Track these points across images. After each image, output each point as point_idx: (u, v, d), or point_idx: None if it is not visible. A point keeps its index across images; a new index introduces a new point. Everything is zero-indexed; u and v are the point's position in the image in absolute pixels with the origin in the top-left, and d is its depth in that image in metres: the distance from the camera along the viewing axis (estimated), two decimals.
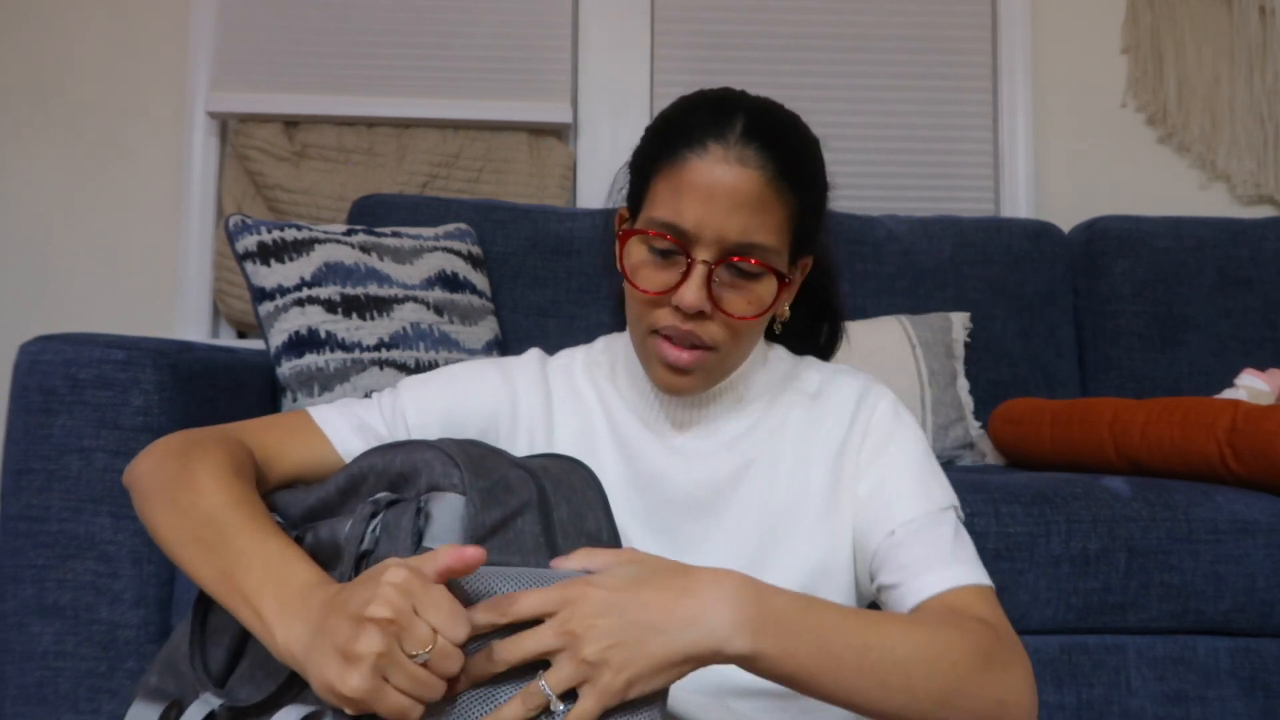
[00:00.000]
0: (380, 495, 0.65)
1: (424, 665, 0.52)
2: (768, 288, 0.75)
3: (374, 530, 0.63)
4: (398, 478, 0.66)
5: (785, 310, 0.84)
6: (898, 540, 0.75)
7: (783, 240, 0.75)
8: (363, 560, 0.63)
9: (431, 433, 0.79)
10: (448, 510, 0.62)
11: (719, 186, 0.71)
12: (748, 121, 0.73)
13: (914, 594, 0.72)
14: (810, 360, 0.88)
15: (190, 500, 0.66)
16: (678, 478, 0.80)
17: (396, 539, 0.62)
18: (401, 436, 0.79)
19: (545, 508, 0.67)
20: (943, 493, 0.78)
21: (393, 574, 0.53)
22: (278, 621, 0.57)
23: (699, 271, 0.72)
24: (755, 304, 0.74)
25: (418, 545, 0.61)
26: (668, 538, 0.79)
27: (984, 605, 0.71)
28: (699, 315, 0.73)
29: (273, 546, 0.62)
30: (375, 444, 0.78)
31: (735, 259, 0.72)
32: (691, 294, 0.72)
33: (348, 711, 0.53)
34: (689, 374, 0.76)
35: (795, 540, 0.78)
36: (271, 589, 0.59)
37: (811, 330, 0.91)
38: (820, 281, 0.87)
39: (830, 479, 0.79)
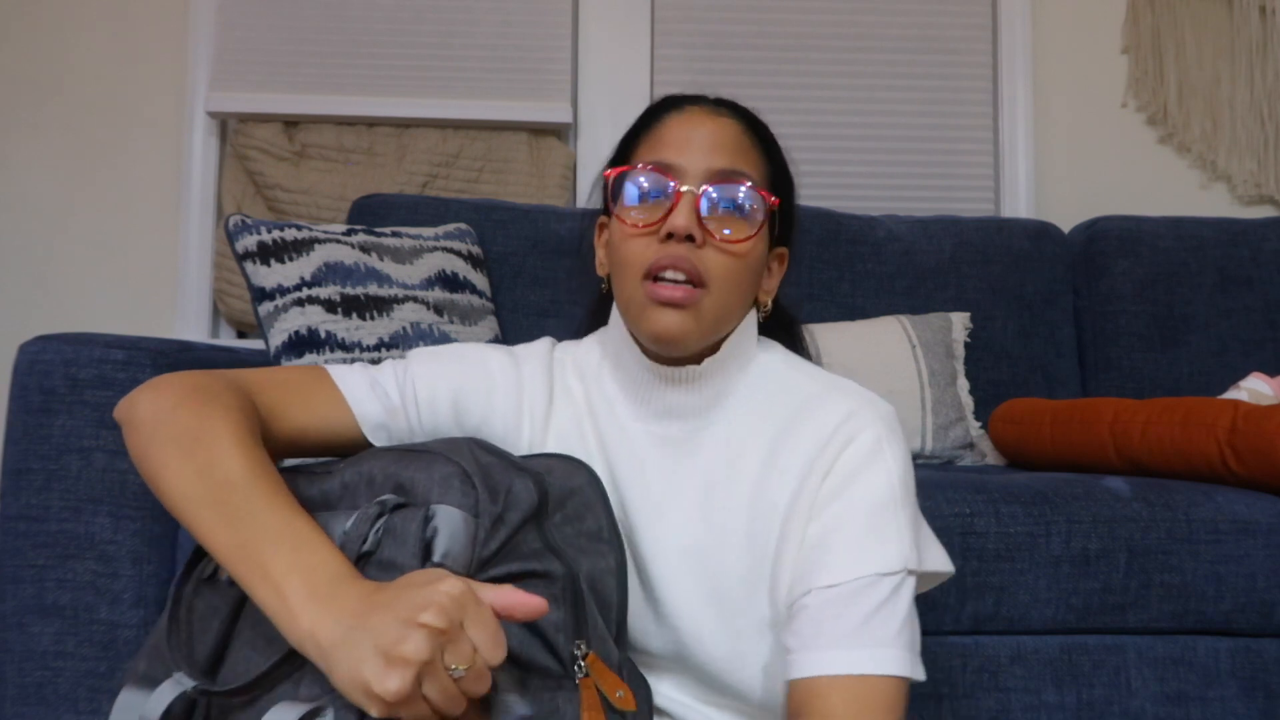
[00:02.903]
0: (387, 497, 0.64)
1: (456, 681, 0.52)
2: (757, 215, 0.76)
3: (377, 531, 0.62)
4: (407, 483, 0.65)
5: (768, 301, 0.84)
6: (808, 603, 0.69)
7: (762, 184, 0.77)
8: (361, 561, 0.62)
9: (439, 409, 0.79)
10: (459, 526, 0.62)
11: (700, 130, 0.77)
12: (717, 99, 0.82)
13: (793, 668, 0.68)
14: (811, 368, 0.83)
15: (209, 459, 0.64)
16: (653, 485, 0.79)
17: (404, 545, 0.61)
18: (410, 406, 0.78)
19: (540, 516, 0.67)
20: (888, 556, 0.70)
21: (450, 584, 0.53)
22: (305, 608, 0.56)
23: (687, 198, 0.74)
24: (745, 229, 0.75)
25: (427, 556, 0.61)
26: (632, 548, 0.78)
27: (848, 702, 0.65)
28: (690, 241, 0.73)
29: (302, 528, 0.61)
30: (387, 406, 0.78)
31: (720, 183, 0.75)
32: (682, 216, 0.73)
33: (372, 712, 0.52)
34: (684, 310, 0.73)
35: (759, 568, 0.75)
36: (301, 574, 0.58)
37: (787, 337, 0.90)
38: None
39: (789, 507, 0.74)
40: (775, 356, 0.83)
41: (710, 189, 0.74)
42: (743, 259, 0.76)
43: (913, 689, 0.73)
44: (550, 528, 0.67)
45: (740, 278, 0.76)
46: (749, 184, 0.75)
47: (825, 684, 0.66)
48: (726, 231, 0.75)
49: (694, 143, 0.76)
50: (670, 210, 0.74)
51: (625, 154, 0.81)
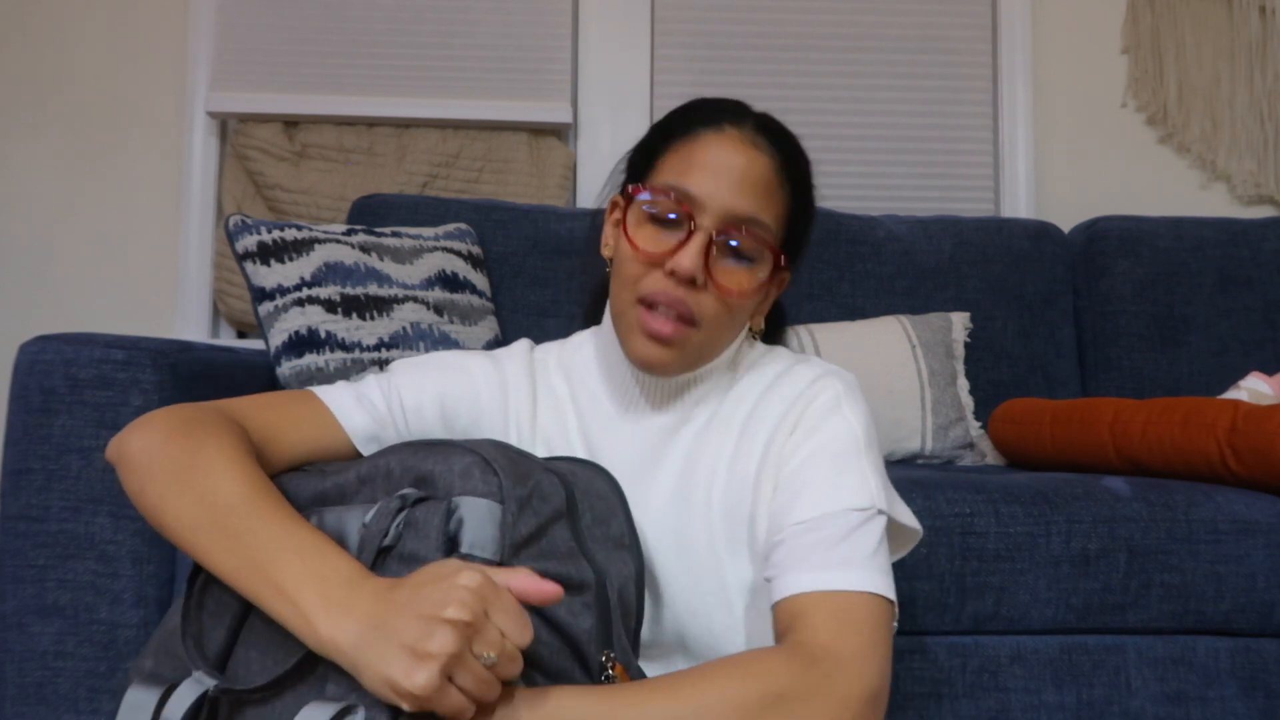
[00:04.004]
0: (407, 491, 0.64)
1: (488, 668, 0.53)
2: (762, 269, 0.76)
3: (398, 525, 0.62)
4: (426, 476, 0.65)
5: (760, 321, 0.85)
6: (782, 539, 0.72)
7: (778, 231, 0.77)
8: (382, 555, 0.62)
9: (426, 416, 0.80)
10: (484, 516, 0.61)
11: (732, 162, 0.75)
12: (759, 118, 0.79)
13: (774, 592, 0.70)
14: (781, 352, 0.87)
15: (206, 486, 0.64)
16: (639, 475, 0.80)
17: (426, 538, 0.61)
18: (398, 415, 0.79)
19: (574, 514, 0.67)
20: (856, 493, 0.73)
21: (468, 577, 0.54)
22: (322, 615, 0.57)
23: (699, 238, 0.73)
24: (748, 282, 0.76)
25: (451, 549, 0.61)
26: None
27: (832, 614, 0.67)
28: (691, 284, 0.73)
29: (305, 537, 0.61)
30: (375, 417, 0.79)
31: (736, 230, 0.74)
32: (689, 258, 0.72)
33: (405, 708, 0.53)
34: (669, 346, 0.75)
35: (737, 532, 0.78)
36: (312, 582, 0.58)
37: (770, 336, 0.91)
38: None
39: (758, 470, 0.78)
40: (755, 352, 0.86)
41: (724, 235, 0.74)
42: (738, 305, 0.77)
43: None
44: (583, 528, 0.67)
45: (732, 320, 0.78)
46: (762, 236, 0.75)
47: (806, 600, 0.68)
48: (728, 278, 0.75)
49: (722, 177, 0.74)
50: (680, 245, 0.73)
51: (653, 151, 0.80)
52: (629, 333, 0.77)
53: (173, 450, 0.67)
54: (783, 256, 0.78)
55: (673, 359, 0.76)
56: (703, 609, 0.77)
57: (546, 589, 0.57)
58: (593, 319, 0.90)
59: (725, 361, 0.83)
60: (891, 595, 0.70)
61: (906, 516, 0.78)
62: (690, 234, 0.73)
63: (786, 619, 0.69)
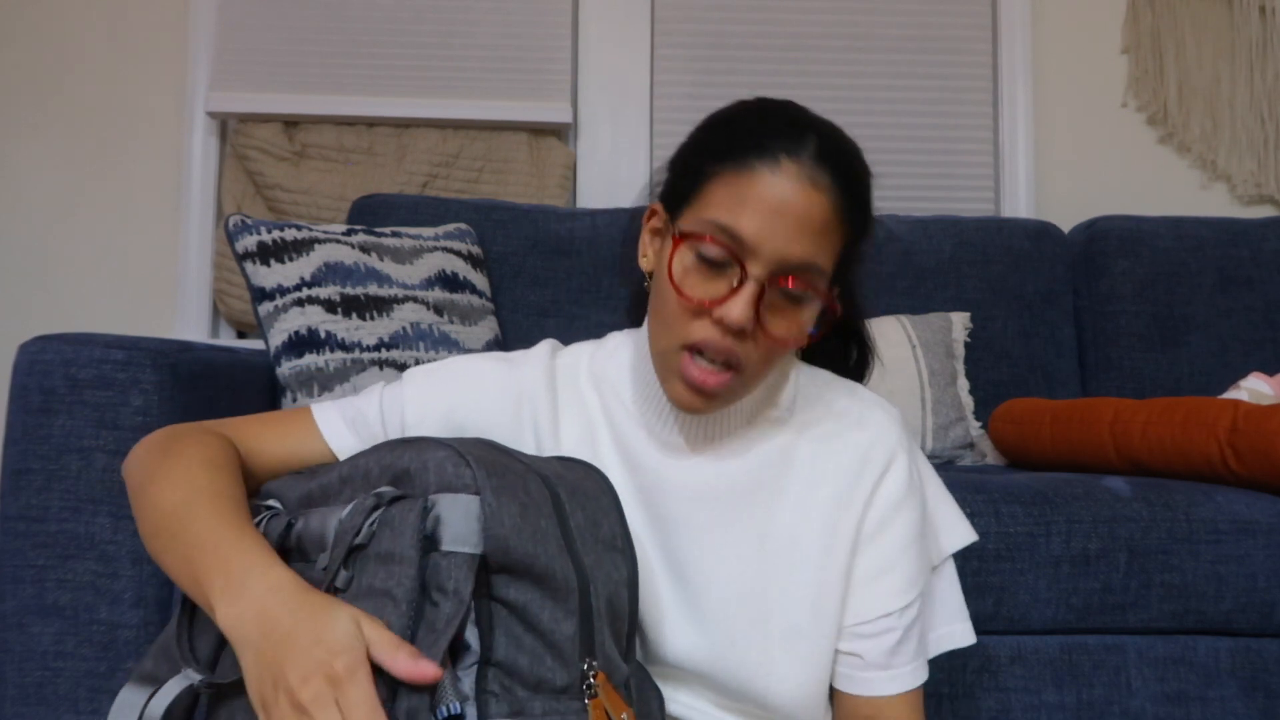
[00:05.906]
0: (384, 490, 0.63)
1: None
2: (810, 312, 0.73)
3: (372, 524, 0.62)
4: (402, 474, 0.64)
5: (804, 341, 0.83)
6: (866, 631, 0.78)
7: (831, 267, 0.73)
8: (354, 553, 0.62)
9: (429, 430, 0.77)
10: (461, 512, 0.60)
11: (790, 206, 0.68)
12: (820, 143, 0.71)
13: (847, 682, 0.79)
14: (841, 385, 0.84)
15: (159, 492, 0.67)
16: (681, 493, 0.78)
17: (402, 536, 0.60)
18: (394, 433, 0.77)
19: (562, 514, 0.65)
20: (925, 569, 0.81)
21: (341, 661, 0.52)
22: (220, 600, 0.58)
23: (750, 288, 0.69)
24: (797, 328, 0.72)
25: (429, 548, 0.60)
26: (667, 553, 0.78)
27: (911, 712, 0.79)
28: (739, 333, 0.70)
29: (228, 533, 0.62)
30: (365, 436, 0.77)
31: (789, 278, 0.70)
32: (739, 310, 0.68)
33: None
34: (712, 398, 0.73)
35: (792, 574, 0.77)
36: (219, 570, 0.60)
37: (841, 352, 0.89)
38: (846, 308, 0.85)
39: (829, 521, 0.77)
40: (809, 375, 0.84)
41: (776, 286, 0.70)
42: (784, 348, 0.73)
43: None
44: (573, 529, 0.66)
45: (777, 360, 0.75)
46: (816, 280, 0.71)
47: (873, 704, 0.78)
48: (778, 325, 0.71)
49: (777, 220, 0.68)
50: (730, 294, 0.69)
51: (699, 172, 0.73)
52: (669, 376, 0.73)
53: (147, 463, 0.71)
54: (835, 290, 0.76)
55: (715, 406, 0.74)
56: (742, 642, 0.76)
57: (422, 673, 0.53)
58: (635, 321, 0.85)
59: (768, 391, 0.81)
60: (971, 637, 0.86)
61: (959, 542, 0.86)
62: (741, 283, 0.69)
63: (873, 714, 0.78)
